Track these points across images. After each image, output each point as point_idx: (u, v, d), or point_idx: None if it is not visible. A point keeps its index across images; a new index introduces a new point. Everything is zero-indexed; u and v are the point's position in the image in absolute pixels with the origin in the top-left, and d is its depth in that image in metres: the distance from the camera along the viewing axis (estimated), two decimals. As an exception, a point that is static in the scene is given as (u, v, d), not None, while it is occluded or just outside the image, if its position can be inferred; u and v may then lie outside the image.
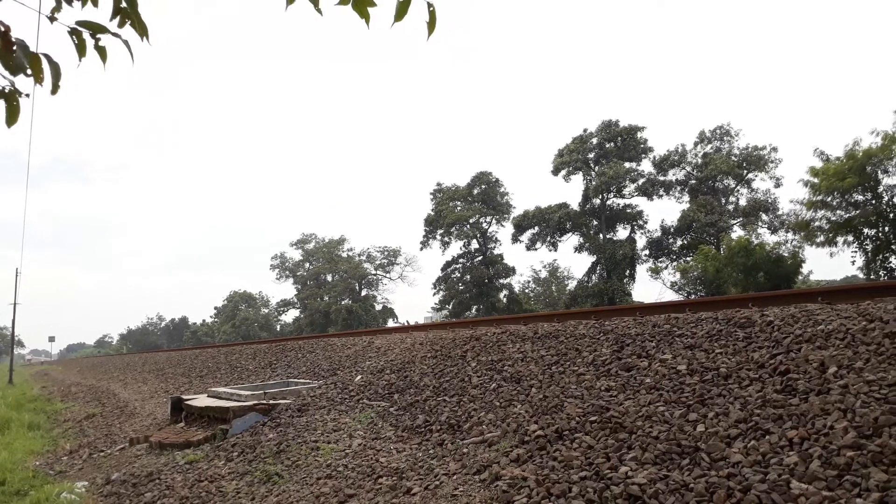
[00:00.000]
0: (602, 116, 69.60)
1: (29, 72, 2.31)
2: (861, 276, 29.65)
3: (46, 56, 2.33)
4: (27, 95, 2.41)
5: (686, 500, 3.43)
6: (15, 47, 2.23)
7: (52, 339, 75.72)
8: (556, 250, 51.66)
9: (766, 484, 3.28)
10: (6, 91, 2.39)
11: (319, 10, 2.41)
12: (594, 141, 49.25)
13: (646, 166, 48.92)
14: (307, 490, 5.26)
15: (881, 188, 27.22)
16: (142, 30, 2.46)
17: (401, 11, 2.38)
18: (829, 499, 3.01)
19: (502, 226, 57.60)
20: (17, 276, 40.69)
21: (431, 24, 2.45)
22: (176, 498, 5.81)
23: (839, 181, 26.72)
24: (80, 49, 2.43)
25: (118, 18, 2.45)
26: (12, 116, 2.40)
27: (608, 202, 48.94)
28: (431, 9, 2.43)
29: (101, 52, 2.49)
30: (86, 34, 2.42)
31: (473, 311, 55.02)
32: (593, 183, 47.96)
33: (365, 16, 2.43)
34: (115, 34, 2.42)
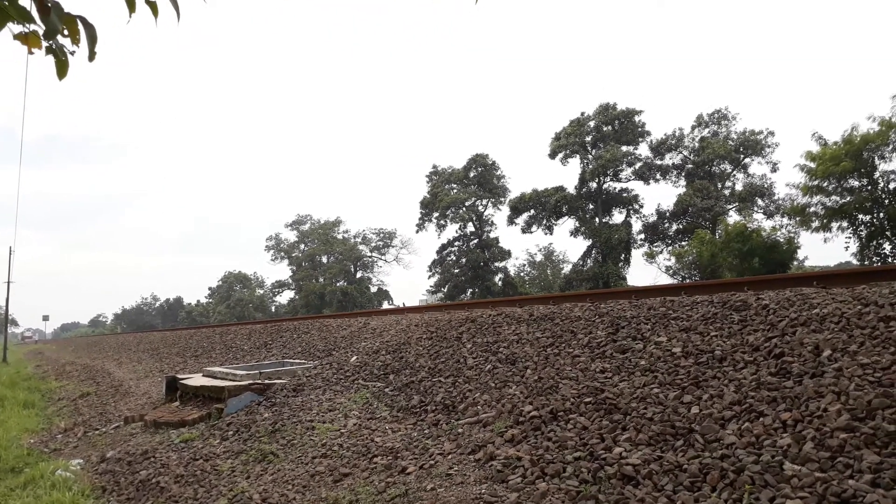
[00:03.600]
0: (599, 100, 69.18)
1: (66, 33, 2.26)
2: (855, 262, 29.76)
3: (82, 18, 2.28)
4: (73, 53, 2.35)
5: (680, 480, 3.45)
6: (50, 8, 2.17)
7: (45, 318, 75.34)
8: (551, 234, 51.70)
9: (760, 465, 3.29)
10: (53, 47, 2.35)
11: None
12: (591, 124, 49.05)
13: (643, 150, 48.88)
14: (302, 469, 5.28)
15: (877, 174, 27.25)
16: None
17: None
18: (822, 480, 3.03)
19: (498, 209, 57.57)
20: (10, 254, 40.54)
21: None
22: (171, 476, 5.83)
23: (835, 166, 26.71)
24: (130, 4, 2.36)
25: None
26: (62, 70, 2.36)
27: (604, 186, 48.88)
28: None
29: (153, 7, 2.41)
30: None
31: (469, 294, 55.10)
32: (590, 166, 47.90)
33: None
34: None
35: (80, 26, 2.29)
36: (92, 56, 2.31)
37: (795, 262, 31.59)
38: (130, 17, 2.39)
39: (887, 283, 5.66)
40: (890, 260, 26.88)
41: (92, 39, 2.30)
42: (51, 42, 2.34)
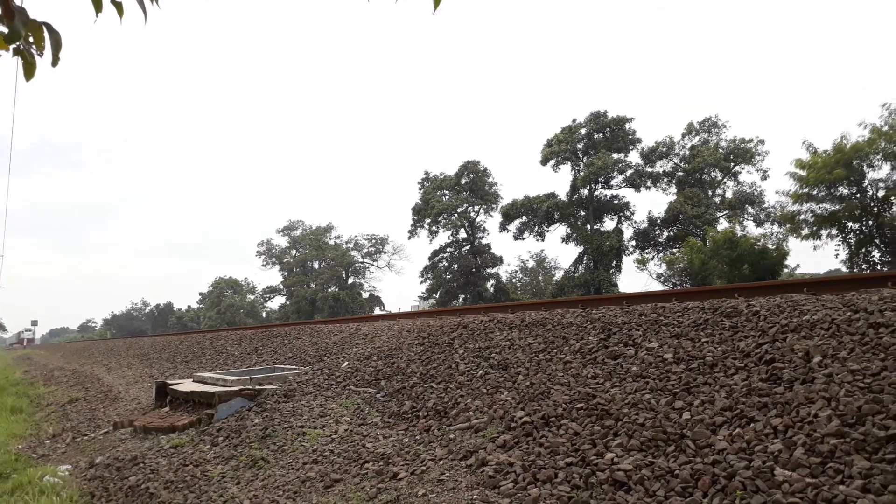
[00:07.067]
0: (591, 107, 69.55)
1: (31, 39, 2.27)
2: (844, 269, 29.97)
3: (47, 25, 2.27)
4: (40, 54, 2.35)
5: (671, 486, 3.46)
6: (15, 13, 2.17)
7: (35, 323, 74.83)
8: (543, 240, 51.77)
9: (751, 471, 3.30)
10: (21, 48, 2.34)
11: None
12: (583, 131, 49.29)
13: (634, 157, 49.13)
14: (293, 475, 5.25)
15: (866, 182, 27.50)
16: None
17: None
18: (813, 486, 3.04)
19: (490, 215, 57.71)
20: (-1, 259, 40.26)
21: None
22: (160, 482, 5.78)
23: (827, 174, 26.94)
24: (97, 4, 2.36)
25: None
26: (29, 71, 2.37)
27: (596, 193, 49.08)
28: None
29: (118, 7, 2.42)
30: None
31: (461, 300, 55.12)
32: (581, 173, 48.06)
33: None
34: None
35: (46, 33, 2.29)
36: (55, 62, 2.31)
37: (786, 270, 31.77)
38: (97, 16, 2.40)
39: (876, 289, 5.70)
40: (879, 267, 27.09)
41: (56, 45, 2.30)
42: (18, 44, 2.34)
